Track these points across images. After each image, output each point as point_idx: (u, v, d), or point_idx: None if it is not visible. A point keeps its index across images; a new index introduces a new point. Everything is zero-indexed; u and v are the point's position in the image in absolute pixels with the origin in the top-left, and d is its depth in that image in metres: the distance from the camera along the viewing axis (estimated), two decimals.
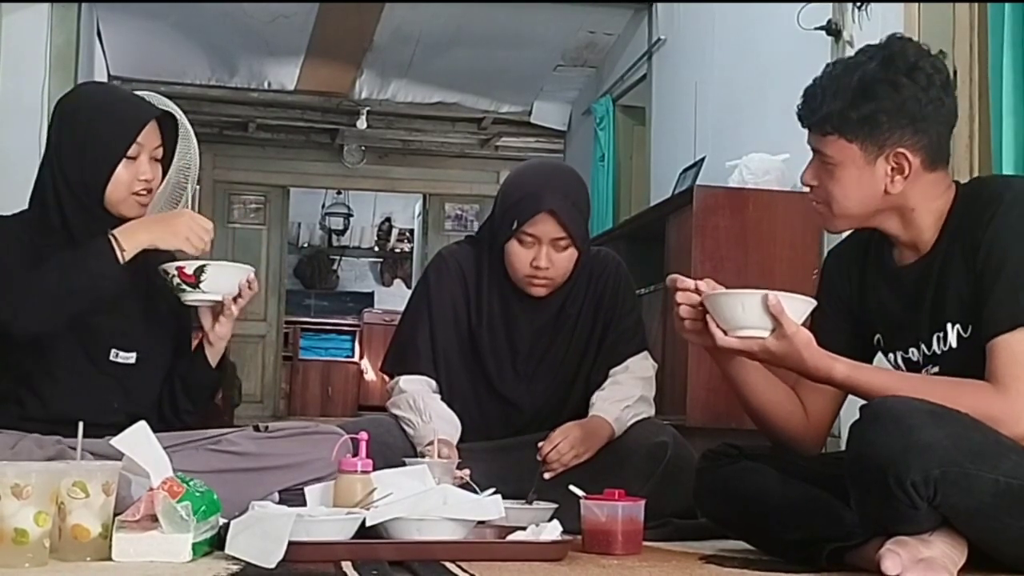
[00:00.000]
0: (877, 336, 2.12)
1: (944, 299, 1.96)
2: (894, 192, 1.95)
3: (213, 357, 2.51)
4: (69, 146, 2.34)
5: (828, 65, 2.01)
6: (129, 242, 2.27)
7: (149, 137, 2.37)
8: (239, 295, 2.42)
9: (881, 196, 1.96)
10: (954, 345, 1.95)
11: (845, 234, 2.22)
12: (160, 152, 2.41)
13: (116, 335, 2.39)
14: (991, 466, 1.73)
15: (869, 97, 1.91)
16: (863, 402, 1.86)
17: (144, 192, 2.37)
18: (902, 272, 2.04)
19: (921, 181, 1.95)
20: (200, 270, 2.34)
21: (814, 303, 1.95)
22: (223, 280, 2.38)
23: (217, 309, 2.44)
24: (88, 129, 2.33)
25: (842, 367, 1.90)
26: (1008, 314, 1.86)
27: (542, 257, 2.70)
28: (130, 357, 2.41)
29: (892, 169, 1.94)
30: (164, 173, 2.45)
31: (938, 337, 1.98)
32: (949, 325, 1.96)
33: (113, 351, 2.39)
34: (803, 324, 1.92)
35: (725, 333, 1.92)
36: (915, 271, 2.01)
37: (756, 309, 1.88)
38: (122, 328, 2.39)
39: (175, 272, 2.34)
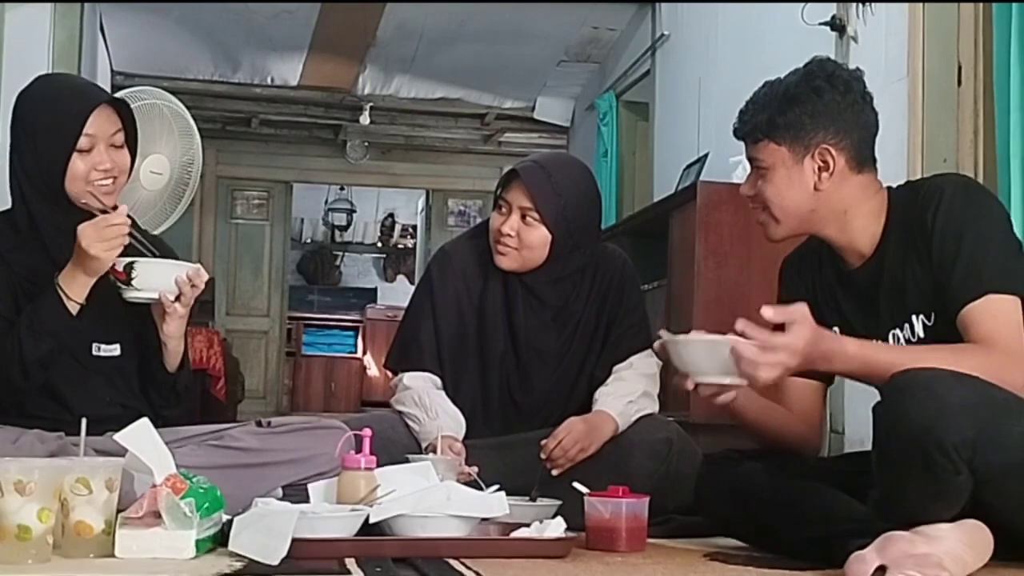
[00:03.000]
0: None
1: (903, 294, 2.05)
2: (823, 188, 2.08)
3: (169, 357, 2.40)
4: (23, 141, 2.31)
5: (762, 85, 2.16)
6: (76, 290, 2.23)
7: (102, 126, 2.30)
8: (181, 293, 2.31)
9: (811, 193, 2.08)
10: (922, 335, 2.03)
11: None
12: (120, 138, 2.34)
13: (95, 330, 2.35)
14: (1017, 419, 1.76)
15: (793, 103, 2.08)
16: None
17: (107, 181, 2.31)
18: (853, 275, 2.13)
19: (850, 183, 2.09)
20: (130, 267, 2.25)
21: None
22: (155, 277, 2.28)
23: (161, 308, 2.34)
24: (36, 124, 2.29)
25: (852, 344, 1.95)
26: (974, 285, 1.96)
27: (507, 223, 2.72)
28: (114, 349, 2.39)
29: (819, 168, 2.07)
30: (133, 157, 2.38)
31: (894, 335, 2.06)
32: (914, 317, 2.04)
33: (95, 346, 2.37)
34: None
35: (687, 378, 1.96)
36: (866, 273, 2.11)
37: (720, 356, 1.90)
38: (100, 322, 2.35)
39: (110, 271, 2.26)
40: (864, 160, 2.10)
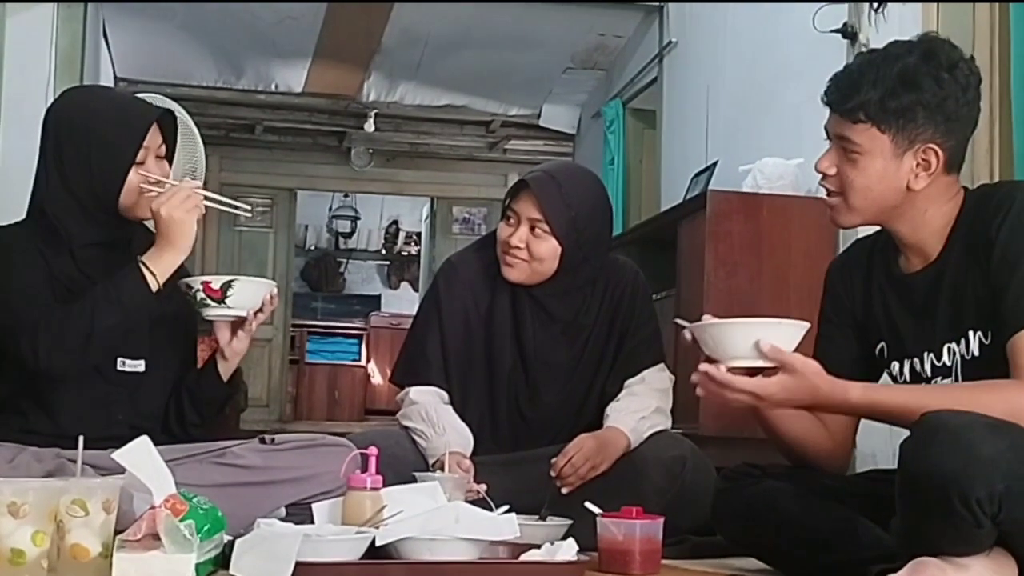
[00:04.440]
0: (881, 345, 2.07)
1: (962, 307, 1.91)
2: (916, 188, 1.91)
3: (226, 372, 2.45)
4: (73, 157, 2.28)
5: (861, 53, 1.98)
6: (161, 268, 2.24)
7: (152, 138, 2.32)
8: (260, 310, 2.36)
9: (903, 191, 1.92)
10: (976, 353, 1.90)
11: (851, 240, 2.20)
12: (163, 149, 2.37)
13: (122, 343, 2.32)
14: None
15: (911, 89, 1.89)
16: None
17: (154, 192, 2.32)
18: (910, 280, 2.00)
19: (939, 182, 1.93)
20: (227, 285, 2.29)
21: (807, 326, 1.88)
22: (249, 295, 2.33)
23: (236, 324, 2.39)
24: (92, 139, 2.27)
25: (857, 389, 1.85)
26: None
27: (516, 235, 2.66)
28: (138, 365, 2.36)
29: (918, 164, 1.90)
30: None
31: (950, 348, 1.92)
32: (971, 333, 1.91)
33: (120, 360, 2.34)
34: (797, 348, 1.87)
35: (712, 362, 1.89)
36: (925, 279, 1.97)
37: (754, 338, 1.83)
38: (128, 335, 2.32)
39: (199, 287, 2.29)
40: (958, 161, 1.94)
